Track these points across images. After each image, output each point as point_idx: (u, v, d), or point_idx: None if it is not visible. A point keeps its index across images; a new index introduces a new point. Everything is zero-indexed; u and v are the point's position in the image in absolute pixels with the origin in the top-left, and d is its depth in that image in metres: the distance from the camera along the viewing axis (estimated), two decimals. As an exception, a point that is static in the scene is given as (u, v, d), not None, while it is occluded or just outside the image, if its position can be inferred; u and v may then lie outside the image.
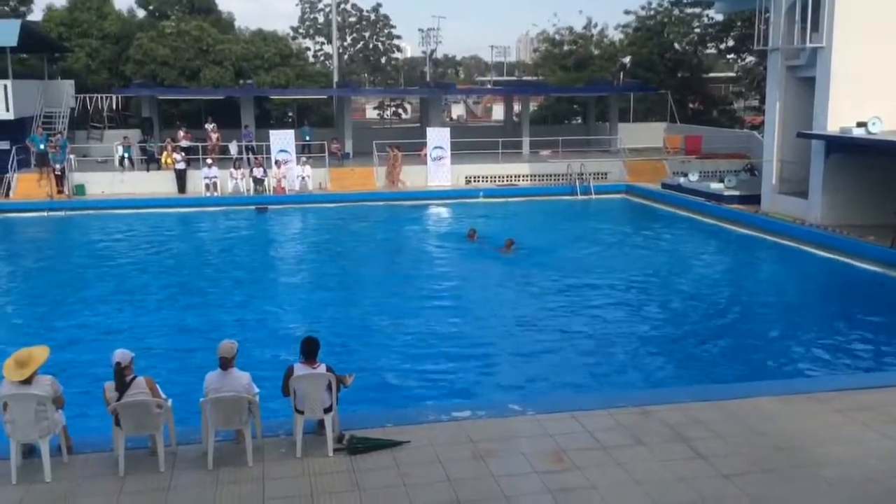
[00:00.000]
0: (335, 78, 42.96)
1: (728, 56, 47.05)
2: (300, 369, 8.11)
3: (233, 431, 8.21)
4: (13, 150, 28.56)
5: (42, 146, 28.52)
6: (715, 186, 27.16)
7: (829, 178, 22.08)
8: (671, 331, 14.44)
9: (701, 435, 8.47)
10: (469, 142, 32.94)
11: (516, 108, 40.66)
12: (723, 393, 9.92)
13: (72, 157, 29.04)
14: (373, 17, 56.54)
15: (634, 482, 7.52)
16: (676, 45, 44.91)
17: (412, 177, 30.66)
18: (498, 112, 61.87)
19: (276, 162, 29.59)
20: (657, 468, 7.79)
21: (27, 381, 7.58)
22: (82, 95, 35.03)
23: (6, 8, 39.54)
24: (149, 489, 7.45)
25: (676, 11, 44.77)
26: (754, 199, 25.21)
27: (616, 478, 7.61)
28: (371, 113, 62.87)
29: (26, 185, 28.23)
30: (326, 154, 30.94)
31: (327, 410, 8.11)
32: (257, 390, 8.17)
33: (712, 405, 9.27)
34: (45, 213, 26.47)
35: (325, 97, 41.01)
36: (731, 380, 11.70)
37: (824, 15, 21.85)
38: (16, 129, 29.45)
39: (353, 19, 56.12)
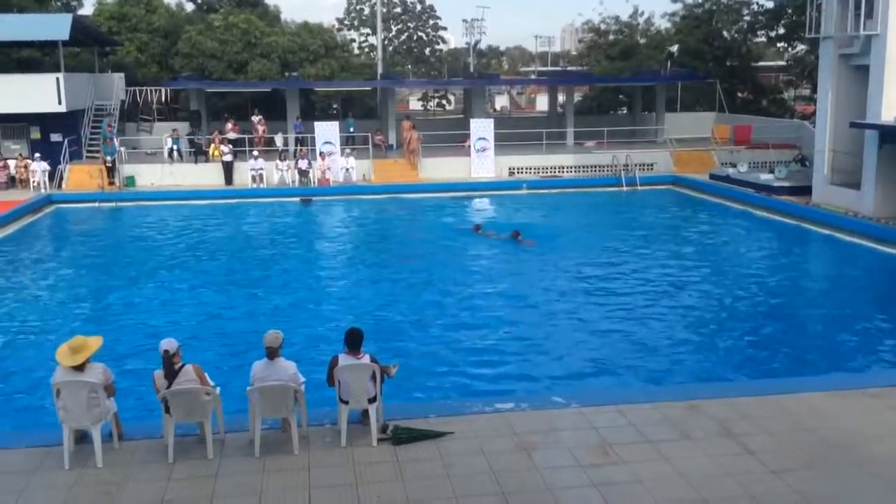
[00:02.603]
0: (379, 70, 43.06)
1: (778, 44, 46.05)
2: (344, 359, 8.16)
3: (279, 420, 8.30)
4: (65, 142, 29.22)
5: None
6: (765, 177, 26.67)
7: (883, 169, 21.53)
8: (719, 324, 14.21)
9: (749, 430, 8.33)
10: (513, 133, 32.78)
11: (561, 98, 40.33)
12: (772, 388, 9.75)
13: (122, 149, 29.60)
14: (418, 7, 56.56)
15: (680, 477, 7.43)
16: (725, 34, 44.10)
17: (456, 168, 30.66)
18: (542, 103, 61.53)
19: (321, 154, 29.80)
20: (704, 463, 7.69)
21: (80, 369, 7.75)
22: (132, 88, 35.63)
23: (58, 3, 40.33)
24: (197, 476, 7.58)
25: (725, -1, 43.98)
26: (805, 191, 24.70)
27: (661, 472, 7.53)
28: (415, 104, 62.98)
29: (78, 176, 28.84)
30: (370, 146, 31.07)
31: (371, 401, 8.16)
32: (303, 380, 8.24)
33: (761, 400, 9.11)
34: (97, 204, 27.02)
35: (369, 89, 41.16)
36: (781, 375, 11.50)
37: (878, 1, 21.27)
38: (68, 122, 30.11)
39: (398, 10, 56.20)
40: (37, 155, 28.45)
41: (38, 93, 28.80)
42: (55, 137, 29.87)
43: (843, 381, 10.18)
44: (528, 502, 7.07)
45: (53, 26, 29.61)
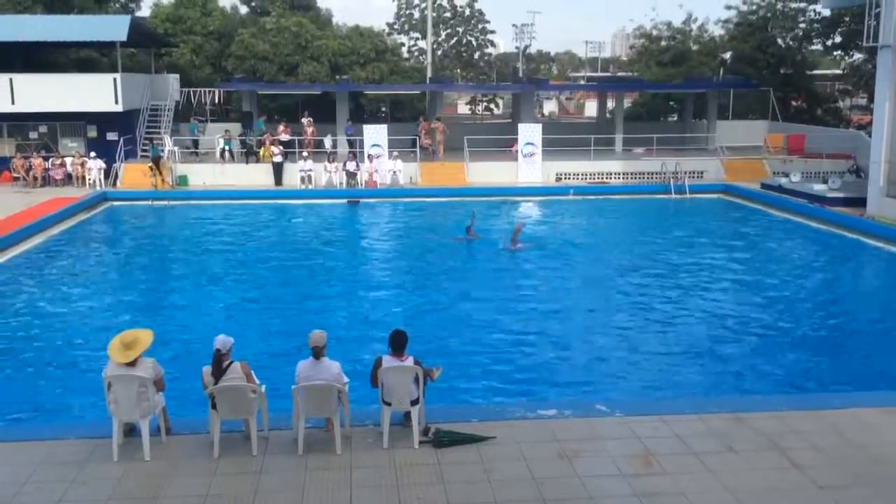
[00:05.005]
0: (429, 73, 43.22)
1: (835, 53, 45.15)
2: (388, 361, 8.21)
3: (322, 419, 8.39)
4: (121, 141, 29.88)
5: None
6: (818, 188, 26.16)
7: (943, 181, 20.99)
8: (768, 337, 13.95)
9: (797, 445, 8.19)
10: (561, 138, 32.65)
11: (610, 104, 40.09)
12: (822, 403, 9.56)
13: (175, 148, 30.19)
14: (467, 12, 56.62)
15: (725, 490, 7.34)
16: (780, 41, 43.40)
17: (503, 172, 30.65)
18: (591, 108, 61.11)
19: (369, 156, 30.02)
20: (749, 477, 7.58)
21: (131, 364, 7.92)
22: (186, 89, 36.30)
23: (117, 4, 41.29)
24: (242, 471, 7.69)
25: (780, 6, 43.24)
26: (860, 202, 24.15)
27: (706, 484, 7.44)
28: (463, 108, 63.00)
29: (132, 174, 29.46)
30: (417, 149, 31.22)
31: (414, 403, 8.20)
32: (347, 380, 8.31)
33: (810, 414, 8.94)
34: (150, 203, 27.57)
35: (418, 92, 41.36)
36: (831, 389, 11.26)
37: (942, 9, 20.77)
38: (124, 121, 30.79)
39: (447, 15, 56.31)
40: (92, 153, 29.19)
41: (95, 92, 29.56)
42: (111, 136, 30.61)
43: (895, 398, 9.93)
44: (569, 510, 7.04)
45: (112, 27, 30.32)
